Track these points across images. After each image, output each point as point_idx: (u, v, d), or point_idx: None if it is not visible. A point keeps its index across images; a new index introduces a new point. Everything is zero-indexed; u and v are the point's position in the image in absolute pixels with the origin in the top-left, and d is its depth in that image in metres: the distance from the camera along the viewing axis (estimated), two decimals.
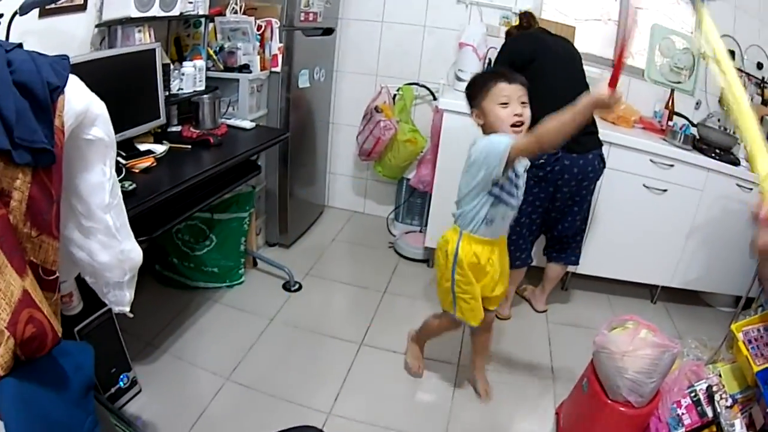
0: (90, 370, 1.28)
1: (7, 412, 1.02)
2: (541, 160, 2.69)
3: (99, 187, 1.38)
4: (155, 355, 2.51)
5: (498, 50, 2.93)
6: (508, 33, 3.07)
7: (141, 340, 2.53)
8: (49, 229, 1.20)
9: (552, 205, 2.84)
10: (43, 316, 1.09)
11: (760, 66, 3.50)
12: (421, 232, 3.82)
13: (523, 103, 1.91)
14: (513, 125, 1.89)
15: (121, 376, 2.16)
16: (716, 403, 1.89)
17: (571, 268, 3.22)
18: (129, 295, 1.58)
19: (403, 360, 2.59)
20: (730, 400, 1.89)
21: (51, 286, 1.23)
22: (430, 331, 2.46)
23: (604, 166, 2.83)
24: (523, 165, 2.02)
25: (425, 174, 3.57)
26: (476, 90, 1.97)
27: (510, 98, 1.88)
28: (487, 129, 1.96)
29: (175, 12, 2.46)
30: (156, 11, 2.33)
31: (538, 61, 2.67)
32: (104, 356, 2.04)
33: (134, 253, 1.53)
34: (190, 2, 2.60)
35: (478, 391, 2.46)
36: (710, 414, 1.89)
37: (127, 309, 1.60)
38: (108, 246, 1.45)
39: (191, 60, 2.71)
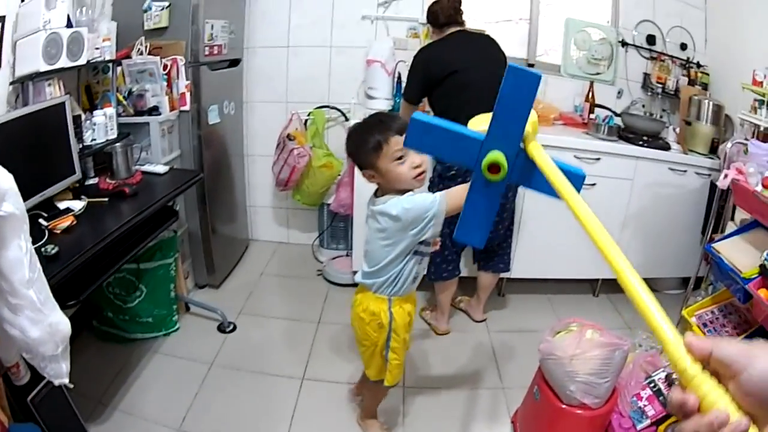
0: None
1: None
2: (452, 171, 2.65)
3: (18, 263, 1.35)
4: (107, 413, 2.41)
5: (409, 65, 2.79)
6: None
7: (91, 399, 2.43)
8: None
9: None
10: None
11: (683, 47, 3.56)
12: (347, 255, 3.81)
13: None
14: (416, 177, 1.76)
15: None
16: None
17: (504, 275, 3.20)
18: (65, 366, 1.56)
19: None
20: None
21: None
22: (373, 404, 2.34)
23: None
24: None
25: (344, 197, 3.53)
26: (362, 150, 1.76)
27: (404, 150, 1.70)
28: (385, 186, 1.80)
29: (83, 60, 2.39)
30: (64, 62, 2.26)
31: (459, 72, 2.59)
32: (58, 423, 1.95)
33: (62, 324, 1.52)
34: (97, 48, 2.53)
35: None
36: None
37: (66, 380, 1.57)
38: (36, 321, 1.43)
39: (102, 108, 2.63)
